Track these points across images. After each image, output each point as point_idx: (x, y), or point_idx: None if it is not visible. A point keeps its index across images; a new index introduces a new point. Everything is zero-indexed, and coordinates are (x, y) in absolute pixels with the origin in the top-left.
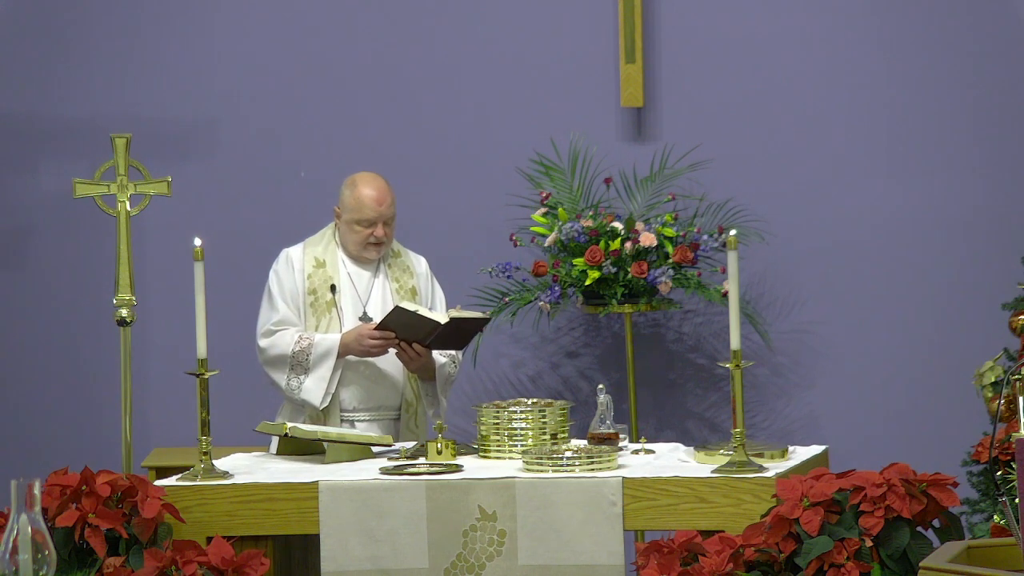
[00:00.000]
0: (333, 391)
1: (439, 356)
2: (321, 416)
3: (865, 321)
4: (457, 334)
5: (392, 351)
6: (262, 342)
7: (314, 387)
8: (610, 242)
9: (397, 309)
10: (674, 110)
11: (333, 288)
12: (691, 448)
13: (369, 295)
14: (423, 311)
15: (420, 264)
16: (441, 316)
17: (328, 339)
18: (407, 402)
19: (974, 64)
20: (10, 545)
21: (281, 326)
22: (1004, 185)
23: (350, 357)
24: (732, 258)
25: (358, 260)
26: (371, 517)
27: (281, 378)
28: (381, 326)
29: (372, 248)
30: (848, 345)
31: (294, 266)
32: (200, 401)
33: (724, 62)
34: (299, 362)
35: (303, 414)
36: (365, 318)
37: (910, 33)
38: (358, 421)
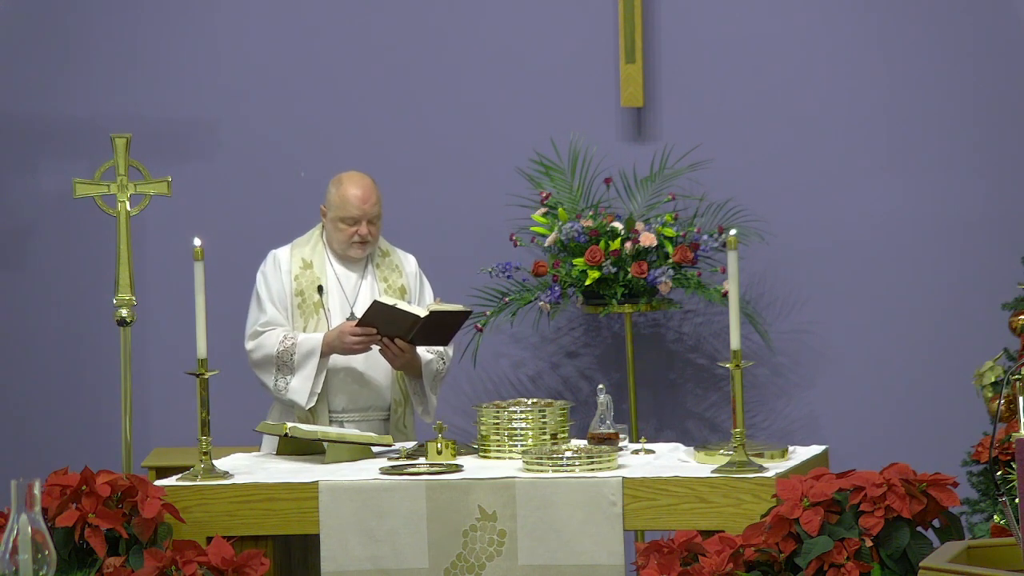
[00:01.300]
0: (319, 391)
1: (425, 353)
2: (310, 417)
3: (865, 321)
4: (439, 329)
5: (376, 348)
6: (249, 344)
7: (299, 387)
8: (610, 242)
9: (376, 304)
10: (674, 110)
11: (320, 289)
12: (691, 448)
13: (357, 295)
14: (402, 305)
15: (409, 262)
16: (420, 310)
17: (311, 338)
18: (395, 402)
19: (974, 64)
20: (10, 545)
21: (268, 327)
22: (1004, 185)
23: (337, 359)
24: (732, 258)
25: (345, 260)
26: (371, 517)
27: (269, 379)
28: (362, 322)
29: (357, 247)
30: (848, 345)
31: (281, 267)
32: (200, 401)
33: (724, 62)
34: (284, 362)
35: (293, 415)
36: (352, 319)
37: (910, 33)
38: (347, 422)
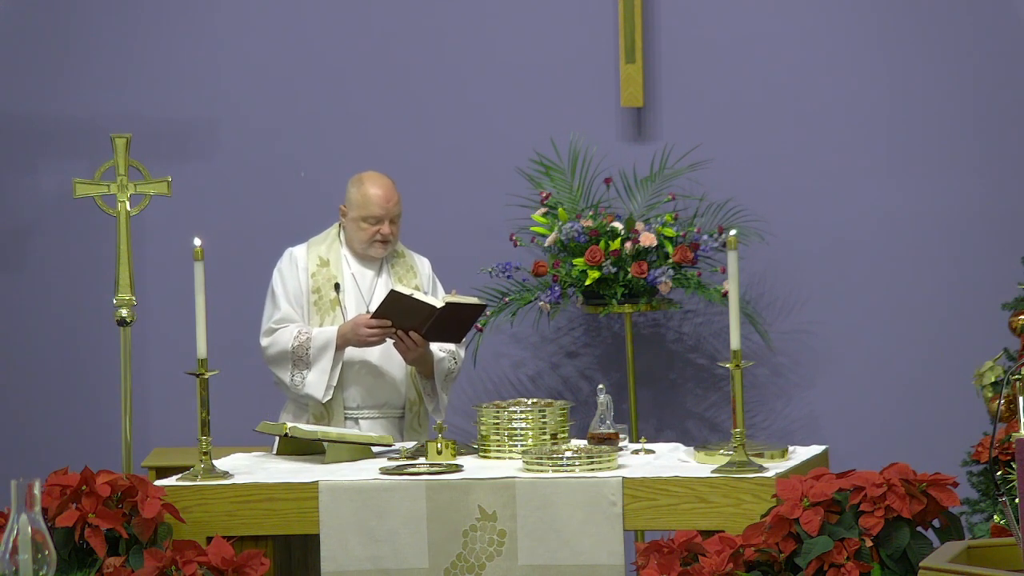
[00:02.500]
0: (335, 384)
1: (438, 351)
2: (325, 414)
3: (865, 321)
4: (453, 323)
5: (390, 342)
6: (264, 340)
7: (316, 380)
8: (610, 242)
9: (393, 293)
10: (674, 110)
11: (337, 287)
12: (691, 448)
13: (372, 294)
14: (418, 295)
15: (424, 265)
16: (436, 300)
17: (326, 331)
18: (411, 401)
19: (974, 64)
20: (10, 545)
21: (281, 324)
22: (1004, 185)
23: (353, 354)
24: (732, 258)
25: (362, 259)
26: (371, 517)
27: (285, 375)
28: (377, 314)
29: (379, 245)
30: (848, 345)
31: (298, 264)
32: (200, 401)
33: (724, 62)
34: (299, 356)
35: (307, 413)
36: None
37: (910, 33)
38: (362, 419)
